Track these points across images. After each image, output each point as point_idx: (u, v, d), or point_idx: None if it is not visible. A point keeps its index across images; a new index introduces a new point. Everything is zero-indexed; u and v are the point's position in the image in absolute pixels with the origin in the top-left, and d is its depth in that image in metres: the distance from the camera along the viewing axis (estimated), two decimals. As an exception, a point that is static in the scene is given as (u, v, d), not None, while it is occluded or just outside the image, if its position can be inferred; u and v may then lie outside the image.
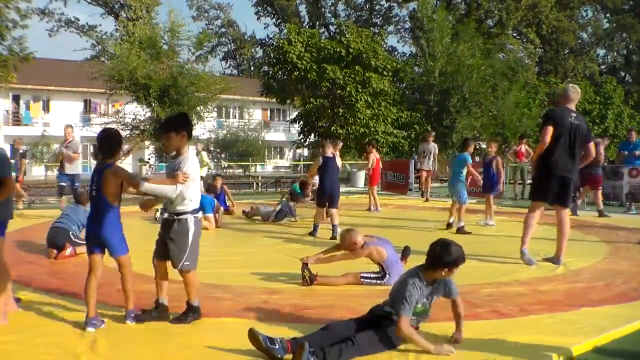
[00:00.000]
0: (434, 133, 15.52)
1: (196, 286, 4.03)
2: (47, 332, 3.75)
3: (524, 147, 14.49)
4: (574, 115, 6.00)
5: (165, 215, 3.98)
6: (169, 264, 4.04)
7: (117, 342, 3.58)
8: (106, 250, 3.96)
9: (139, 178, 3.96)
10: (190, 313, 4.04)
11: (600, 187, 10.99)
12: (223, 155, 35.12)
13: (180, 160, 3.89)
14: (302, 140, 25.13)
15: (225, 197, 11.10)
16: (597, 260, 6.48)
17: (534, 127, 25.92)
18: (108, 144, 3.92)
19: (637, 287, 5.15)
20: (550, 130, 5.84)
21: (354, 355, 3.26)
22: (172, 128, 3.90)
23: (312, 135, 24.60)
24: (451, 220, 8.83)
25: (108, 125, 22.99)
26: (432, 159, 13.78)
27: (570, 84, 6.56)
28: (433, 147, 13.91)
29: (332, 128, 22.49)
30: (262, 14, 43.88)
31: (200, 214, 4.06)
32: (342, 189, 17.82)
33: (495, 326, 3.96)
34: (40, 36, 58.76)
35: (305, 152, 33.55)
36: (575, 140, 5.93)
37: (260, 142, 36.64)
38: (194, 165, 3.93)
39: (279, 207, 10.12)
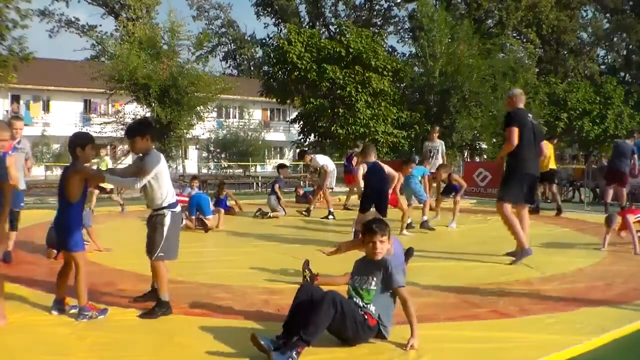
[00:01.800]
0: (438, 128, 13.68)
1: (165, 279, 4.23)
2: (46, 332, 3.75)
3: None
4: (530, 115, 6.29)
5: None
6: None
7: (116, 342, 3.57)
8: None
9: (103, 172, 4.45)
10: (158, 307, 4.15)
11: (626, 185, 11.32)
12: (223, 155, 35.13)
13: (144, 159, 4.25)
14: (302, 140, 25.12)
15: (228, 199, 11.12)
16: (597, 260, 6.48)
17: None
18: (70, 145, 4.20)
19: (637, 287, 5.15)
20: (516, 131, 5.99)
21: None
22: (137, 133, 4.27)
23: (312, 135, 24.59)
24: (424, 219, 9.08)
25: (108, 125, 23.07)
26: (439, 159, 11.86)
27: (514, 88, 6.81)
28: (440, 144, 12.21)
29: (332, 128, 22.48)
30: (262, 14, 43.89)
31: (178, 208, 4.37)
32: (342, 189, 17.87)
33: (495, 326, 3.96)
34: (40, 36, 58.80)
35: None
36: (536, 139, 6.16)
37: (260, 142, 36.64)
38: (158, 163, 4.22)
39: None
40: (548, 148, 11.15)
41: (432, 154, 12.03)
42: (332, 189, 11.41)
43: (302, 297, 3.52)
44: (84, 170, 4.20)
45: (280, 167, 12.47)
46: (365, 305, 3.56)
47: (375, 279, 3.63)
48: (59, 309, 4.18)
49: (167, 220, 4.24)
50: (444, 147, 12.38)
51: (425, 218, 9.06)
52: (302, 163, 11.95)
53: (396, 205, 8.88)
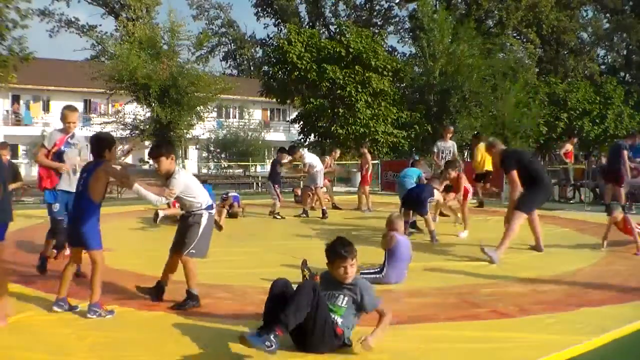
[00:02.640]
0: (452, 128, 13.00)
1: (196, 275, 4.38)
2: (46, 332, 3.75)
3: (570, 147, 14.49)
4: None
5: (183, 212, 4.64)
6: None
7: (116, 342, 3.57)
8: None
9: (132, 179, 4.39)
10: (189, 300, 4.32)
11: (623, 185, 11.29)
12: (223, 155, 35.13)
13: (170, 181, 4.41)
14: (302, 140, 25.12)
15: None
16: (597, 261, 6.48)
17: (534, 127, 25.91)
18: (96, 147, 4.35)
19: (637, 287, 5.15)
20: (515, 173, 6.53)
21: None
22: (162, 153, 4.45)
23: (312, 135, 24.59)
24: (414, 219, 9.01)
25: (108, 125, 23.07)
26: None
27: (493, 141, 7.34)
28: (452, 145, 11.83)
29: (332, 128, 22.48)
30: (262, 14, 43.86)
31: (214, 211, 4.61)
32: (342, 189, 17.85)
33: (495, 326, 3.96)
34: (40, 36, 58.78)
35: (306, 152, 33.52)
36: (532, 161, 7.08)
37: (260, 142, 36.62)
38: (183, 185, 4.43)
39: None
40: (480, 152, 11.58)
41: (444, 155, 11.55)
42: (320, 187, 11.38)
43: (277, 290, 3.51)
44: (114, 171, 4.36)
45: (280, 150, 12.38)
46: (333, 318, 3.44)
47: (345, 298, 3.51)
48: (61, 306, 4.21)
49: (204, 220, 4.47)
50: (455, 148, 12.00)
51: (414, 218, 8.93)
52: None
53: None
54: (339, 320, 3.45)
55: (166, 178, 4.50)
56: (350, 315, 3.51)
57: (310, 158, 11.61)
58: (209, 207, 4.57)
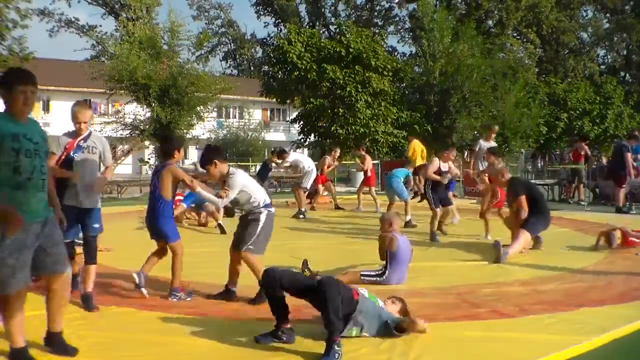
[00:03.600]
0: (497, 127, 11.49)
1: (260, 268, 4.47)
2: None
3: (583, 150, 14.45)
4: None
5: (242, 212, 4.86)
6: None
7: (116, 342, 3.57)
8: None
9: (196, 182, 4.76)
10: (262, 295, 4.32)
11: (624, 186, 11.31)
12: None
13: (227, 183, 4.63)
14: (302, 140, 25.11)
15: None
16: (597, 260, 6.48)
17: (534, 127, 25.88)
18: (165, 148, 4.78)
19: (637, 287, 5.15)
20: (524, 198, 6.81)
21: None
22: (205, 163, 4.66)
23: (312, 135, 24.58)
24: (408, 219, 9.37)
25: (108, 125, 23.06)
26: None
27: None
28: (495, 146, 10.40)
29: (332, 128, 22.47)
30: (262, 13, 43.84)
31: (273, 210, 4.76)
32: (342, 189, 17.84)
33: (495, 326, 3.96)
34: (40, 36, 58.79)
35: (306, 152, 33.55)
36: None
37: (260, 142, 36.61)
38: (240, 184, 4.61)
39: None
40: (412, 147, 12.64)
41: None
42: (304, 188, 11.32)
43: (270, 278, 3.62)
44: (179, 173, 4.68)
45: (272, 152, 12.41)
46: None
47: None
48: (176, 297, 4.60)
49: (263, 217, 4.62)
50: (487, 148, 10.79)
51: (408, 218, 9.35)
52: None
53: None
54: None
55: (222, 180, 4.67)
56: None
57: (293, 157, 11.61)
58: (267, 205, 4.69)
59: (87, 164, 4.40)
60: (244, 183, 4.64)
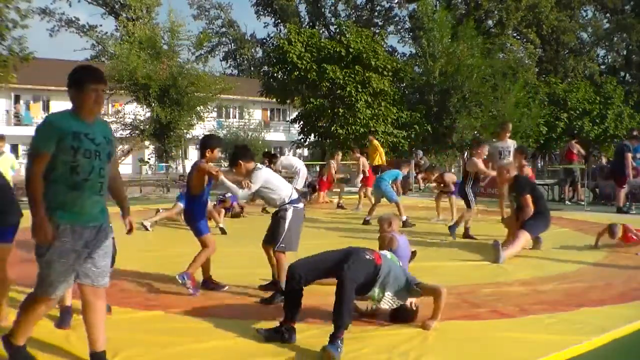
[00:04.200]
0: (510, 125, 10.75)
1: (285, 269, 4.57)
2: (46, 332, 3.75)
3: (575, 149, 14.51)
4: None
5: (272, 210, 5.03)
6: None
7: (115, 342, 3.57)
8: None
9: (220, 173, 4.89)
10: (278, 294, 4.48)
11: (625, 186, 11.33)
12: (223, 156, 35.08)
13: (250, 177, 4.84)
14: (302, 140, 25.11)
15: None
16: (597, 260, 6.49)
17: (534, 127, 25.88)
18: (200, 146, 5.03)
19: (637, 287, 5.15)
20: (529, 197, 6.87)
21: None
22: (230, 165, 4.99)
23: (312, 135, 24.58)
24: (404, 219, 9.45)
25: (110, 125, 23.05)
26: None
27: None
28: (512, 144, 9.89)
29: (332, 128, 22.46)
30: (262, 13, 43.82)
31: (300, 205, 4.88)
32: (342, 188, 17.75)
33: (495, 326, 3.96)
34: (40, 36, 58.76)
35: (306, 152, 33.56)
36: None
37: (260, 142, 36.60)
38: (262, 178, 4.80)
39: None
40: (372, 147, 13.32)
41: (502, 156, 9.67)
42: (299, 189, 11.48)
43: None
44: (204, 166, 4.85)
45: (264, 155, 12.50)
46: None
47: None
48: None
49: (289, 214, 4.74)
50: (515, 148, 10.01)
51: (404, 218, 9.45)
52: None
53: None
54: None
55: (247, 176, 4.88)
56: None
57: (284, 162, 11.69)
58: (294, 201, 4.81)
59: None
60: (267, 178, 4.82)
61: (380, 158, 16.07)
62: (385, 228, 5.41)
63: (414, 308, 3.97)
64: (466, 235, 8.17)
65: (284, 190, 4.84)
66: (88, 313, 3.14)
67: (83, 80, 3.00)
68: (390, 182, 10.18)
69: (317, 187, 14.46)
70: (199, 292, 4.77)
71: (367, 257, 3.78)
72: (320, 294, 4.17)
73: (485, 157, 8.77)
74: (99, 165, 3.02)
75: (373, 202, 10.87)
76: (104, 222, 3.15)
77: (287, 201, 4.79)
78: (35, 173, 2.90)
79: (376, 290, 3.74)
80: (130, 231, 3.44)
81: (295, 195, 4.89)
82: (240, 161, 4.86)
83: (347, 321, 3.43)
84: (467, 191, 8.33)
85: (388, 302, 3.81)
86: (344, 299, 3.43)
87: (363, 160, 12.85)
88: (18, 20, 19.64)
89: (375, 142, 16.92)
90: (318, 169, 14.80)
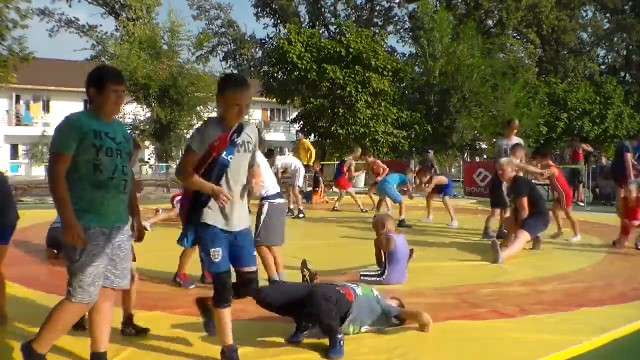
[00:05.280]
0: (517, 122, 9.94)
1: (268, 262, 4.79)
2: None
3: (581, 149, 14.54)
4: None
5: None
6: (276, 249, 5.01)
7: (115, 342, 3.57)
8: None
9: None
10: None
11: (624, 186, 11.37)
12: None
13: None
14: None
15: None
16: (597, 260, 6.48)
17: (534, 127, 25.89)
18: None
19: (637, 287, 5.15)
20: (525, 200, 6.85)
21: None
22: None
23: (312, 135, 24.59)
24: (402, 218, 9.60)
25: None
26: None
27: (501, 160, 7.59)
28: (519, 142, 9.22)
29: (332, 128, 22.47)
30: (261, 14, 43.79)
31: (277, 200, 4.98)
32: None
33: (495, 326, 3.96)
34: (40, 36, 58.77)
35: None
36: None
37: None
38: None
39: None
40: (303, 147, 14.11)
41: (507, 154, 8.93)
42: (297, 187, 11.46)
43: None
44: None
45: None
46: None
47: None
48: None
49: (264, 210, 4.87)
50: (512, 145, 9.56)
51: (402, 217, 9.56)
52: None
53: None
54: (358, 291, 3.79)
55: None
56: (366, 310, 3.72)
57: (281, 162, 11.67)
58: (270, 197, 4.89)
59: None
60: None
61: (311, 158, 15.31)
62: (380, 230, 5.39)
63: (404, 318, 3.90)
64: (486, 234, 8.08)
65: (265, 185, 4.88)
66: (94, 313, 3.09)
67: (104, 80, 2.96)
68: (395, 186, 10.29)
69: (317, 187, 14.51)
70: (193, 285, 4.97)
71: (338, 288, 3.72)
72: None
73: (522, 156, 8.55)
74: (122, 163, 3.00)
75: (376, 202, 11.18)
76: (127, 222, 3.14)
77: (264, 195, 4.88)
78: (59, 173, 2.88)
79: (350, 327, 3.65)
80: (140, 238, 3.40)
81: (273, 191, 4.96)
82: None
83: (336, 327, 3.42)
84: (501, 195, 8.18)
85: (368, 329, 3.75)
86: (322, 310, 3.42)
87: (378, 162, 12.80)
88: (18, 20, 19.69)
89: (305, 141, 16.81)
90: (318, 168, 14.77)
